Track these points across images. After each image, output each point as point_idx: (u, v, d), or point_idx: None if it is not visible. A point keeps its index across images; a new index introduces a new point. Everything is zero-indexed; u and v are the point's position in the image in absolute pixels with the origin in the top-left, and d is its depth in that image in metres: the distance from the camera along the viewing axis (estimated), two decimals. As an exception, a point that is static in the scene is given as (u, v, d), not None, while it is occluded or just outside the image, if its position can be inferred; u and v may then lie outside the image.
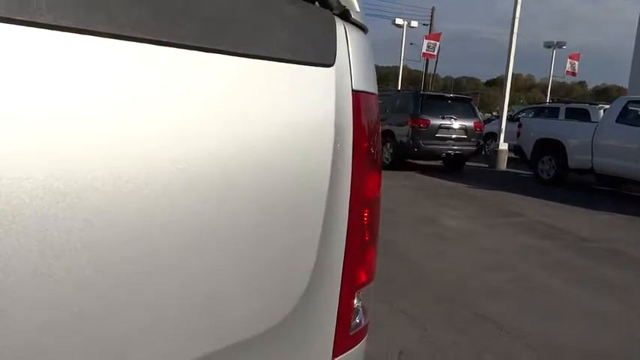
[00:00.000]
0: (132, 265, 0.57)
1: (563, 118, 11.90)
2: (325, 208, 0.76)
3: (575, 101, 16.13)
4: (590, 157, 8.59)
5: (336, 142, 0.75)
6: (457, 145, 10.38)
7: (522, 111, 15.81)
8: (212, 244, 0.64)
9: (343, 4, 0.79)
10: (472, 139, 10.59)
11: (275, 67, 0.68)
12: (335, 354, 0.84)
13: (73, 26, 0.51)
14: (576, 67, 24.17)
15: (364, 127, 0.81)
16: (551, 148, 9.36)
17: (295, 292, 0.74)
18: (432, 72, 33.21)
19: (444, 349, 2.64)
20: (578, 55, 24.78)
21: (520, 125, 10.56)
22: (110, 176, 0.54)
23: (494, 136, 12.89)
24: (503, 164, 11.86)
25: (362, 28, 0.83)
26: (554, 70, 25.38)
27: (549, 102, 20.38)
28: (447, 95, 11.72)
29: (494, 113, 26.19)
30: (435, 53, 21.65)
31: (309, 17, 0.74)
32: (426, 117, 10.07)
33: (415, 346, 2.65)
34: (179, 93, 0.59)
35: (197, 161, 0.61)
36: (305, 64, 0.71)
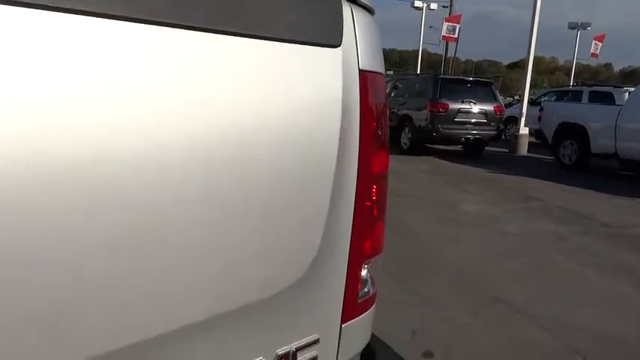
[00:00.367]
0: (151, 230, 0.62)
1: (587, 101, 11.63)
2: (333, 184, 0.80)
3: (599, 84, 15.74)
4: (614, 142, 8.40)
5: (343, 119, 0.79)
6: (476, 130, 10.26)
7: (544, 95, 15.50)
8: (225, 214, 0.69)
9: (349, -15, 0.82)
10: (492, 124, 10.46)
11: (283, 48, 0.71)
12: (344, 319, 0.89)
13: (96, 11, 0.56)
14: (599, 49, 23.50)
15: (371, 104, 0.84)
16: (573, 132, 9.19)
17: (304, 261, 0.79)
18: (452, 55, 32.64)
19: (457, 329, 2.68)
20: (603, 36, 24.07)
21: (542, 109, 10.37)
22: (129, 149, 0.59)
23: (515, 121, 12.69)
24: (523, 149, 11.70)
25: (368, 10, 0.86)
26: (579, 52, 24.75)
27: (572, 85, 19.91)
28: (466, 79, 11.55)
29: (516, 97, 25.72)
30: (455, 36, 21.25)
31: None
32: (445, 101, 9.96)
33: (429, 326, 2.69)
34: (194, 73, 0.64)
35: (211, 137, 0.65)
36: (312, 45, 0.75)
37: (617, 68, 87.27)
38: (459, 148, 11.13)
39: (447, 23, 20.85)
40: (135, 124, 0.60)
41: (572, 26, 24.49)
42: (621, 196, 6.85)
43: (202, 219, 0.66)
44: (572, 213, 5.73)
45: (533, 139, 11.53)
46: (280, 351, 0.78)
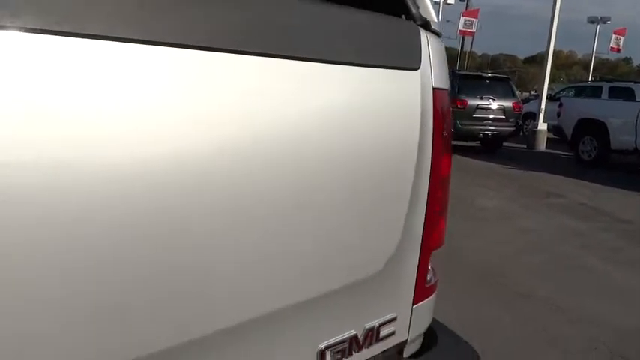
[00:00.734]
0: (245, 222, 0.74)
1: (606, 97, 11.57)
2: (413, 183, 0.94)
3: (617, 79, 15.58)
4: (634, 138, 8.41)
5: (421, 129, 0.93)
6: (495, 126, 10.30)
7: (563, 90, 15.39)
8: (336, 210, 0.83)
9: (424, 15, 0.95)
10: (510, 120, 10.48)
11: (376, 72, 0.85)
12: (415, 301, 1.04)
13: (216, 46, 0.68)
14: (621, 43, 23.24)
15: (440, 117, 0.98)
16: (592, 128, 9.19)
17: (389, 249, 0.94)
18: (469, 49, 32.44)
19: (490, 322, 2.80)
20: (624, 30, 23.77)
21: (561, 105, 10.37)
22: (227, 149, 0.70)
23: (532, 116, 12.65)
24: (542, 145, 11.68)
25: (438, 35, 0.99)
26: (598, 46, 24.50)
27: (591, 80, 19.71)
28: (484, 75, 11.57)
29: (533, 92, 25.54)
30: (473, 30, 21.11)
31: (399, 29, 0.91)
32: (463, 97, 10.01)
33: (465, 318, 2.82)
34: (314, 95, 0.78)
35: (333, 144, 0.80)
36: (399, 69, 0.89)
37: (636, 62, 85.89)
38: (476, 144, 11.16)
39: (464, 17, 20.73)
40: (279, 131, 0.74)
41: (592, 20, 24.25)
42: (641, 193, 6.87)
43: (319, 214, 0.81)
44: (593, 209, 5.79)
45: (551, 135, 11.51)
46: (368, 325, 0.93)
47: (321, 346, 0.86)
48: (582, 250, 4.25)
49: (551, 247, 4.30)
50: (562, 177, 7.93)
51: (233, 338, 0.75)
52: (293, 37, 0.74)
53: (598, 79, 19.72)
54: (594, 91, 12.61)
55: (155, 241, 0.64)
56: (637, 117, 8.37)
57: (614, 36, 23.41)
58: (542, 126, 11.76)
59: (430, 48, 0.94)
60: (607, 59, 53.45)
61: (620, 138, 8.69)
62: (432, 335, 1.13)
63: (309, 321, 0.85)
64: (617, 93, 11.40)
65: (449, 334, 1.15)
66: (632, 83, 12.11)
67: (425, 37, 0.94)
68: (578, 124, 9.50)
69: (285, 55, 0.73)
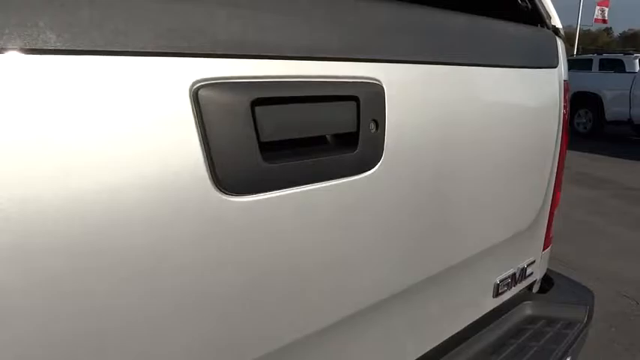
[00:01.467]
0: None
1: (597, 69, 11.88)
2: (553, 156, 1.21)
3: (605, 51, 15.86)
4: (629, 109, 8.76)
5: (559, 113, 1.19)
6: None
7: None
8: (510, 179, 1.09)
9: (554, 24, 1.21)
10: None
11: (533, 72, 1.11)
12: (543, 248, 1.32)
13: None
14: (606, 14, 23.61)
15: (566, 102, 1.24)
16: (587, 101, 9.51)
17: (537, 208, 1.22)
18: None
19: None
20: (608, 1, 24.12)
21: (555, 79, 10.65)
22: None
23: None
24: (537, 118, 11.97)
25: (562, 38, 1.25)
26: (578, 18, 24.79)
27: (577, 53, 20.01)
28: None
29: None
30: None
31: (545, 37, 1.16)
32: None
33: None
34: (498, 94, 1.02)
35: (497, 132, 1.04)
36: (547, 68, 1.15)
37: (616, 32, 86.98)
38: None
39: None
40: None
41: (576, -7, 24.46)
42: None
43: (505, 184, 1.07)
44: (597, 179, 6.06)
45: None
46: (520, 265, 1.21)
47: (497, 280, 1.14)
48: (596, 216, 4.52)
49: (567, 214, 4.54)
50: (562, 149, 8.22)
51: (448, 277, 1.01)
52: (490, 49, 0.99)
53: (581, 51, 19.97)
54: (585, 64, 12.87)
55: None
56: (631, 88, 8.70)
57: (597, 7, 23.73)
58: (537, 100, 12.01)
59: (559, 48, 1.20)
60: (588, 30, 53.93)
61: (615, 109, 9.04)
62: (548, 279, 1.42)
63: (492, 262, 1.12)
64: (607, 65, 11.70)
65: (563, 277, 1.44)
66: (621, 55, 12.40)
67: (558, 40, 1.19)
68: (573, 97, 9.81)
69: (488, 63, 0.98)
